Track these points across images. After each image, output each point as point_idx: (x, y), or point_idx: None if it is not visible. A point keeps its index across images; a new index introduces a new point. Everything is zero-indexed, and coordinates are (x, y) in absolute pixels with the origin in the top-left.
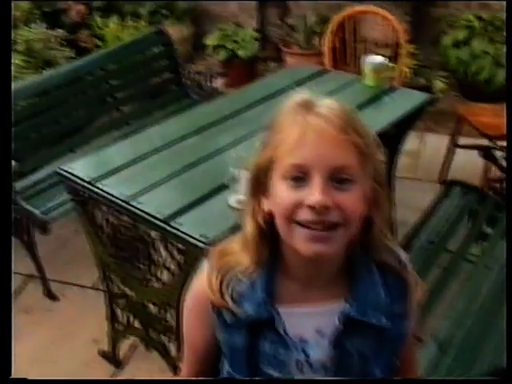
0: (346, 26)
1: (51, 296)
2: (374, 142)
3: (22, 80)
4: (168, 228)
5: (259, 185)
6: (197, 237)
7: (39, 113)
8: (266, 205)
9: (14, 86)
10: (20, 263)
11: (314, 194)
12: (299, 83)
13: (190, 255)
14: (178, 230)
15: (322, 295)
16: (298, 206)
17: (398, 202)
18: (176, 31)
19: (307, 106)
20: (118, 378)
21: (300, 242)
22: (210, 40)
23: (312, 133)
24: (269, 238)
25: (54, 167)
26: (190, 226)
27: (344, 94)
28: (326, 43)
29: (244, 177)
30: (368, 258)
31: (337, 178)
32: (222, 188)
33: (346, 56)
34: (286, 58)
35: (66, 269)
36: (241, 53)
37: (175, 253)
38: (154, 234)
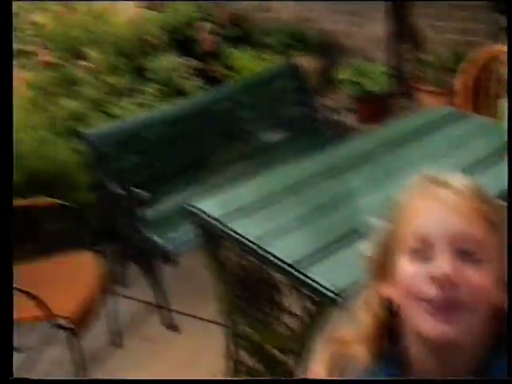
0: (483, 66)
1: (172, 327)
2: (506, 218)
3: (154, 108)
4: (297, 274)
5: (380, 267)
6: (327, 286)
7: (169, 142)
8: (387, 289)
9: (145, 114)
10: (144, 291)
11: (439, 265)
12: (433, 126)
13: (319, 304)
14: (307, 276)
15: None
16: (421, 280)
17: None
18: (306, 63)
19: (435, 180)
20: None
21: (422, 320)
22: (341, 74)
23: (440, 204)
24: (388, 328)
25: (182, 198)
26: (320, 273)
27: (480, 139)
28: (460, 82)
29: (379, 225)
30: (503, 361)
31: (464, 252)
32: (354, 234)
33: (481, 97)
34: (418, 95)
35: (189, 300)
36: (372, 88)
37: (303, 299)
38: (280, 277)
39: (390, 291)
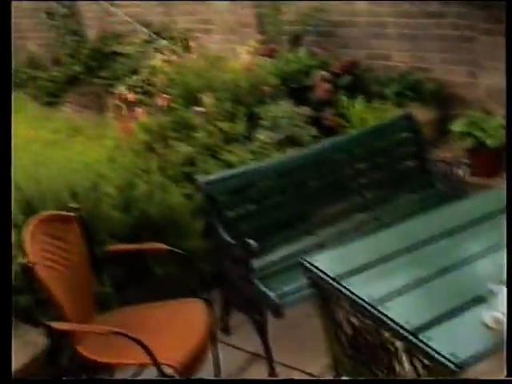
0: None
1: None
2: None
3: (266, 156)
4: (415, 341)
5: None
6: (446, 355)
7: (281, 192)
8: None
9: (258, 163)
10: (249, 340)
11: None
12: None
13: (437, 374)
14: (426, 344)
15: None
16: None
17: None
18: (421, 114)
19: None
20: None
21: None
22: (457, 126)
23: None
24: None
25: (292, 249)
26: (439, 341)
27: None
28: None
29: (502, 292)
30: None
31: None
32: (475, 302)
33: None
34: None
35: (294, 352)
36: (488, 142)
37: (419, 367)
38: (398, 343)
39: None
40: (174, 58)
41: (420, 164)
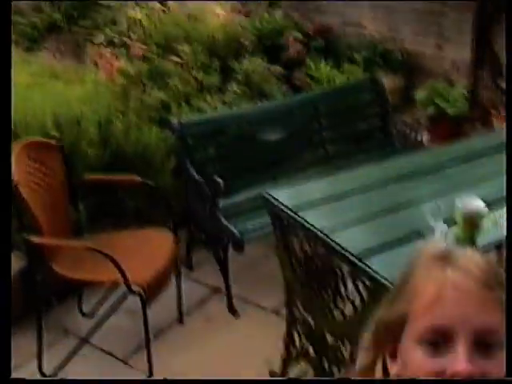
0: None
1: (233, 311)
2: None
3: (236, 107)
4: (359, 263)
5: (385, 343)
6: (385, 276)
7: (249, 140)
8: (394, 368)
9: (230, 111)
10: (211, 275)
11: (458, 362)
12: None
13: (375, 293)
14: (368, 266)
15: None
16: (438, 375)
17: None
18: (388, 81)
19: (445, 258)
20: None
21: None
22: (420, 94)
23: (451, 289)
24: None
25: (257, 191)
26: (379, 265)
27: None
28: None
29: (440, 228)
30: None
31: (482, 343)
32: (415, 235)
33: None
34: (494, 120)
35: (251, 288)
36: (449, 111)
37: (361, 288)
38: (344, 267)
39: (397, 370)
40: (154, 10)
41: (382, 125)
